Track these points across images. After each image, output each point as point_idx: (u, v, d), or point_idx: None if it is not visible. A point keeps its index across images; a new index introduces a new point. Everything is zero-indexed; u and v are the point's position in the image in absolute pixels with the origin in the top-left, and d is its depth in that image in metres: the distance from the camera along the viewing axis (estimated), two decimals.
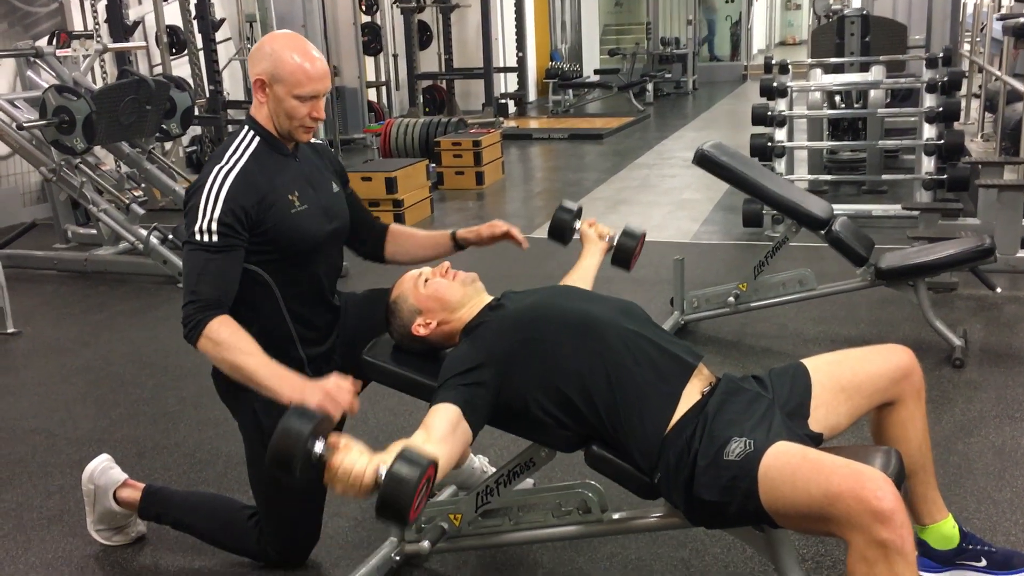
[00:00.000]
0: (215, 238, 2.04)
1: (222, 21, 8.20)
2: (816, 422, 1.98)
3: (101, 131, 5.16)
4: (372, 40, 11.11)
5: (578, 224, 2.55)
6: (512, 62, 12.83)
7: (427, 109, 12.59)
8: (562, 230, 2.55)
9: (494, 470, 2.28)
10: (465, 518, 2.18)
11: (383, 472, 1.54)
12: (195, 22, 7.95)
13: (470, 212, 7.01)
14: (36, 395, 3.74)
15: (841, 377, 2.04)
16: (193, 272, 2.05)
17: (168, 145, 7.37)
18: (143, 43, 7.30)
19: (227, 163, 2.11)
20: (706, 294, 4.00)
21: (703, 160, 3.73)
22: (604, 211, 6.64)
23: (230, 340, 2.00)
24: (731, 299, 3.87)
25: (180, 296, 2.09)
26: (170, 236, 5.20)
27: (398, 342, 2.22)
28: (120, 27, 7.21)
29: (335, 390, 1.96)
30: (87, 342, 4.34)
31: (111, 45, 6.35)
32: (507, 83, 13.23)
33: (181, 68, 8.38)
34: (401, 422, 3.20)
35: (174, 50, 8.38)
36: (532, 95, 14.32)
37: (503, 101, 11.89)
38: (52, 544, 2.60)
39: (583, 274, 2.48)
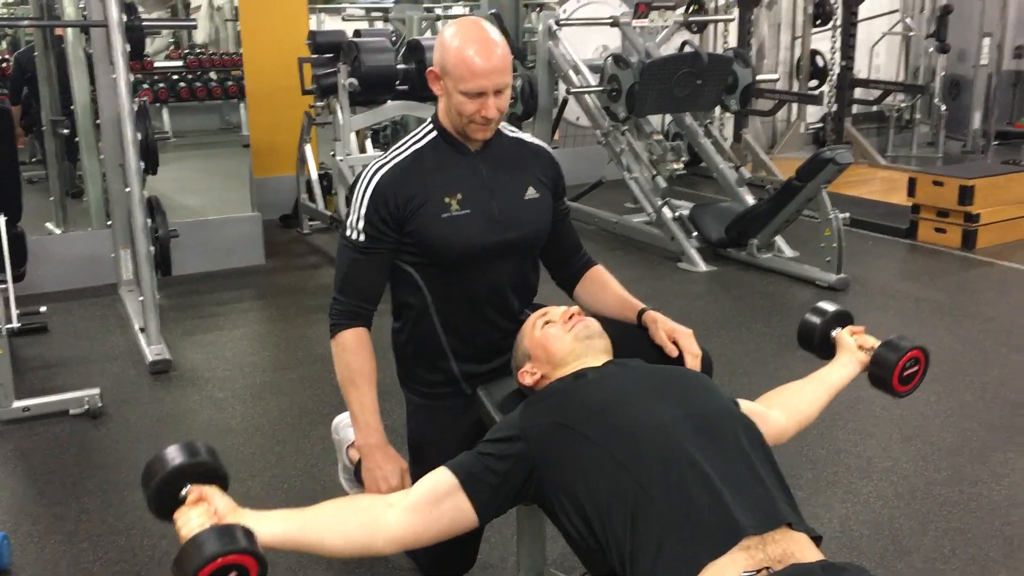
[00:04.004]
0: (362, 237, 1.98)
1: None
2: None
3: (649, 101, 5.28)
4: None
5: (835, 332, 2.07)
6: None
7: None
8: (809, 336, 2.09)
9: None
10: None
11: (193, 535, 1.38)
12: None
13: None
14: None
15: None
16: (341, 268, 2.03)
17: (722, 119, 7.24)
18: (731, 16, 7.14)
19: (386, 158, 2.02)
20: None
21: None
22: None
23: (350, 360, 2.00)
24: None
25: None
26: (679, 213, 5.17)
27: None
28: (749, 1, 7.17)
29: (383, 481, 1.95)
30: None
31: (690, 18, 6.34)
32: None
33: (822, 42, 8.09)
34: None
35: (818, 22, 8.06)
36: None
37: None
38: None
39: (816, 385, 1.96)
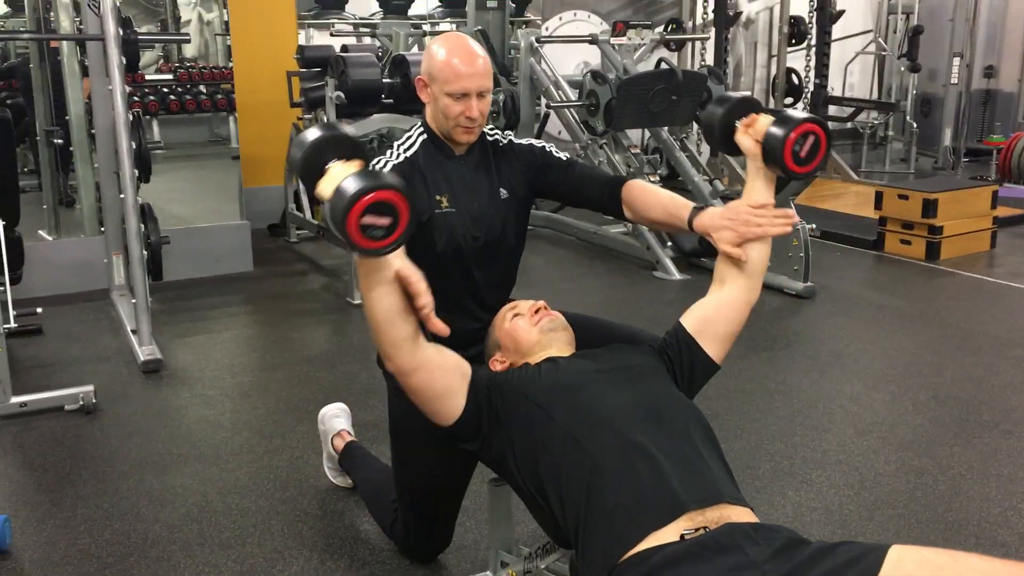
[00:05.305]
0: None
1: (841, 13, 7.82)
2: None
3: (626, 116, 5.48)
4: None
5: (739, 124, 1.90)
6: None
7: None
8: (710, 131, 1.93)
9: None
10: None
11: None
12: (814, 13, 7.80)
13: None
14: None
15: None
16: None
17: (699, 134, 7.35)
18: (707, 35, 7.37)
19: (384, 157, 2.18)
20: None
21: None
22: None
23: None
24: None
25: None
26: None
27: None
28: (723, 19, 7.39)
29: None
30: None
31: (668, 36, 6.56)
32: None
33: (797, 61, 8.31)
34: None
35: (793, 41, 8.30)
36: None
37: None
38: None
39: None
